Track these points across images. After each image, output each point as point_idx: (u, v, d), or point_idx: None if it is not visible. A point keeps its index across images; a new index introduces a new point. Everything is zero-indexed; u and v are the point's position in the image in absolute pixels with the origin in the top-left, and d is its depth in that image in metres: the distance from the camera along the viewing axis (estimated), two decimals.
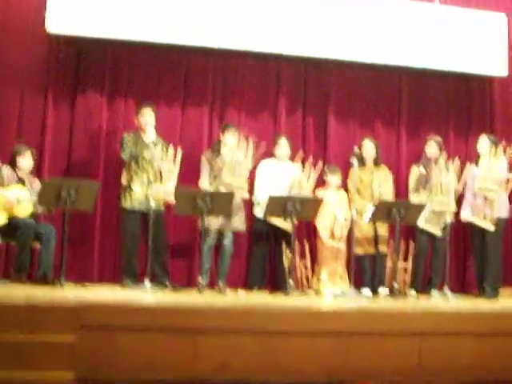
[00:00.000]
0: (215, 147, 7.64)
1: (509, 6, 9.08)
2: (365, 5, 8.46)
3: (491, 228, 7.51)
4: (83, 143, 7.98)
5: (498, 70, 8.82)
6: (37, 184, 7.09)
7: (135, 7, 7.82)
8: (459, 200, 7.72)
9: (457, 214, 7.78)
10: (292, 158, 7.90)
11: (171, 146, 7.25)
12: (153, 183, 7.19)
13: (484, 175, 7.49)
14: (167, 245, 7.66)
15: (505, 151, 7.57)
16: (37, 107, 7.91)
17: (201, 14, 7.97)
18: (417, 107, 8.97)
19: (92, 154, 7.97)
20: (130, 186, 7.34)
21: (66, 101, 7.98)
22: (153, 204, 7.06)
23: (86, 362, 5.12)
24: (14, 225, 6.80)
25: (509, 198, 7.70)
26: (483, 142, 7.78)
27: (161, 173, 7.18)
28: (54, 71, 7.95)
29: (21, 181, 7.09)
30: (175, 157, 7.12)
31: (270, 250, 7.87)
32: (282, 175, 7.77)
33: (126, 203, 7.35)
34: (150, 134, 7.39)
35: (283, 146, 7.89)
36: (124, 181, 7.40)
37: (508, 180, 7.55)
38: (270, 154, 7.93)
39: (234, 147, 7.36)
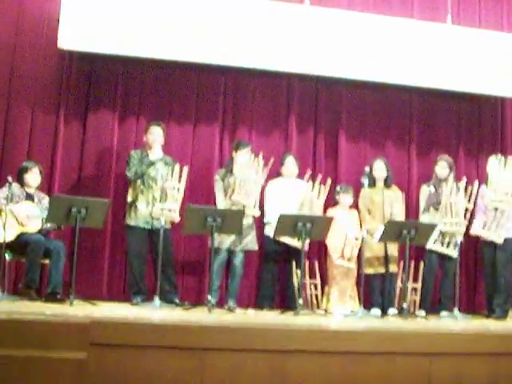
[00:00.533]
0: (228, 166, 7.64)
1: None
2: (377, 25, 8.47)
3: (500, 240, 7.48)
4: (94, 160, 8.01)
5: (510, 91, 8.81)
6: (46, 200, 7.10)
7: (147, 24, 7.84)
8: (469, 221, 7.70)
9: (466, 234, 7.76)
10: (301, 176, 7.90)
11: (178, 164, 7.26)
12: (157, 201, 7.16)
13: (494, 188, 7.51)
14: (175, 262, 7.64)
15: None
16: (48, 124, 7.94)
17: (212, 32, 7.99)
18: (428, 127, 8.97)
19: (103, 171, 8.00)
20: (135, 204, 7.35)
21: (77, 118, 8.02)
22: (159, 222, 7.06)
23: (95, 380, 5.11)
24: (23, 241, 6.81)
25: None
26: (492, 163, 7.77)
27: (166, 191, 7.16)
28: (65, 88, 7.99)
29: (30, 197, 7.11)
30: (181, 175, 7.13)
31: (280, 269, 7.85)
32: (291, 193, 7.77)
33: (131, 220, 7.36)
34: (156, 152, 7.40)
35: (290, 164, 7.90)
36: (129, 198, 7.42)
37: None
38: (278, 172, 7.95)
39: (245, 165, 7.37)
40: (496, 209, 7.55)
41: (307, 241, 7.46)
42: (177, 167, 7.17)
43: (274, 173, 7.91)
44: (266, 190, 7.81)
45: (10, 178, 6.85)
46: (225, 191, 7.48)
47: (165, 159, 7.47)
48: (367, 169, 7.68)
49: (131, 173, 7.36)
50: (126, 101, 8.16)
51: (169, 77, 8.29)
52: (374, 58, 8.39)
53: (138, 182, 7.37)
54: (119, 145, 8.06)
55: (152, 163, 7.36)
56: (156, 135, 7.49)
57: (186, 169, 7.17)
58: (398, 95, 8.85)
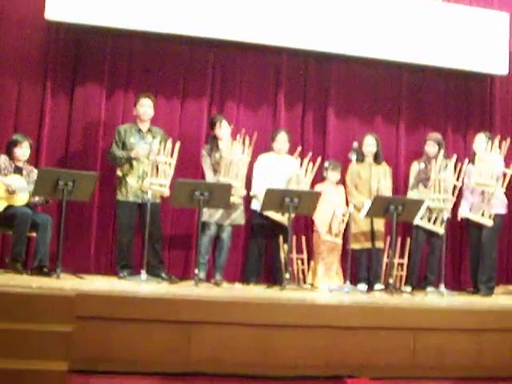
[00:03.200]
0: (212, 142, 7.62)
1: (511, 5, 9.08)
2: (367, 0, 8.43)
3: (489, 223, 7.51)
4: (81, 133, 7.97)
5: (499, 69, 8.82)
6: (35, 173, 7.07)
7: None
8: (457, 198, 7.72)
9: (453, 212, 7.79)
10: (291, 153, 7.90)
11: (170, 139, 7.23)
12: (148, 176, 7.14)
13: (480, 170, 7.49)
14: (163, 236, 7.66)
15: (500, 146, 7.56)
16: (35, 96, 7.88)
17: (202, 4, 7.94)
18: (417, 104, 8.97)
19: (90, 144, 7.95)
20: (125, 178, 7.33)
21: (64, 90, 7.95)
22: (148, 196, 7.04)
23: (81, 353, 5.13)
24: (10, 214, 6.80)
25: (506, 193, 7.68)
26: (479, 140, 7.77)
27: (157, 166, 7.12)
28: (52, 60, 7.92)
29: (18, 170, 7.08)
30: (173, 150, 7.11)
31: (267, 243, 7.86)
32: (281, 169, 7.76)
33: (122, 195, 7.35)
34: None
35: (282, 141, 7.87)
36: (119, 172, 7.39)
37: (505, 175, 7.54)
38: (268, 148, 7.93)
39: (231, 147, 7.36)
40: (483, 191, 7.57)
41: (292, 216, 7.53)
42: (169, 143, 7.14)
43: (263, 147, 7.89)
44: (255, 163, 7.81)
45: None
46: (212, 166, 7.48)
47: (154, 133, 7.43)
48: (355, 144, 7.67)
49: (111, 156, 7.36)
50: (113, 74, 8.10)
51: (157, 50, 8.23)
52: (363, 33, 8.37)
53: None
54: (107, 118, 8.01)
55: (143, 137, 7.32)
56: (146, 107, 7.45)
57: (178, 144, 7.14)
58: (387, 71, 8.83)
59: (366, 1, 8.45)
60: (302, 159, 7.76)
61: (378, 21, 8.43)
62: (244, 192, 7.52)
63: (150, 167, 7.11)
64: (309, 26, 8.19)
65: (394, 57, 8.53)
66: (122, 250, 7.40)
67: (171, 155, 7.10)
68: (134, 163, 7.32)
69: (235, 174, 7.33)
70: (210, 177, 7.48)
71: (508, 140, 7.59)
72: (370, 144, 7.96)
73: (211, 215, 7.34)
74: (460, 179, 7.60)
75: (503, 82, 9.10)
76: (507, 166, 7.52)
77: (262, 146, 7.87)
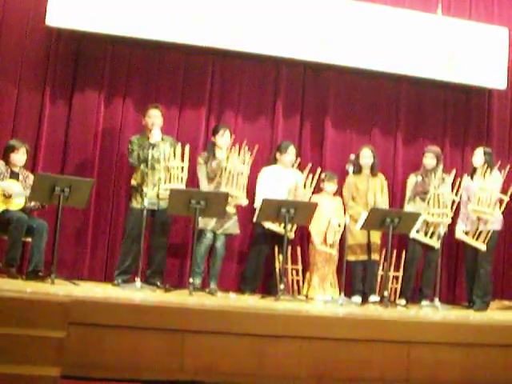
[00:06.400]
0: (210, 150, 7.63)
1: (511, 20, 9.10)
2: (367, 12, 8.46)
3: (483, 248, 7.52)
4: (79, 140, 7.95)
5: (497, 83, 8.83)
6: (30, 179, 7.06)
7: (137, 4, 7.80)
8: (454, 212, 7.73)
9: (450, 226, 7.79)
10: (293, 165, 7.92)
11: (179, 143, 7.27)
12: (162, 182, 7.14)
13: (478, 197, 7.50)
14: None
15: (500, 170, 7.59)
16: (34, 102, 7.87)
17: (201, 13, 7.95)
18: (415, 116, 8.98)
19: (88, 151, 7.94)
20: (141, 187, 7.29)
21: (63, 97, 7.95)
22: (162, 203, 7.09)
23: (73, 359, 5.12)
24: (6, 218, 6.78)
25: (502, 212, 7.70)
26: (479, 156, 7.78)
27: (170, 171, 7.14)
28: (52, 66, 7.91)
29: (14, 175, 7.07)
30: (183, 154, 7.12)
31: (267, 254, 7.82)
32: (284, 182, 7.76)
33: (137, 203, 7.30)
34: (155, 136, 7.33)
35: (292, 155, 7.87)
36: (133, 182, 7.38)
37: (501, 200, 7.56)
38: (266, 159, 7.97)
39: (231, 157, 7.36)
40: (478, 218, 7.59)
41: (293, 228, 7.53)
42: (178, 146, 7.17)
43: (260, 157, 7.90)
44: (259, 175, 7.83)
45: None
46: (208, 175, 7.47)
47: (165, 140, 7.44)
48: (352, 156, 7.68)
49: (134, 158, 7.33)
50: (112, 81, 8.10)
51: (156, 58, 8.24)
52: (362, 45, 8.38)
53: (142, 166, 7.33)
54: (105, 125, 8.01)
55: (153, 146, 7.32)
56: (155, 117, 7.45)
57: (187, 147, 7.16)
58: (385, 83, 8.84)
59: (365, 13, 8.46)
60: (300, 171, 7.76)
61: (378, 33, 8.44)
62: (246, 202, 7.50)
63: (163, 174, 7.13)
64: (307, 36, 8.20)
65: (393, 69, 8.53)
66: (126, 256, 7.31)
67: (182, 159, 7.11)
68: (149, 172, 7.29)
69: (235, 184, 7.32)
70: (204, 185, 7.47)
71: (508, 167, 7.64)
72: (366, 156, 7.96)
73: (206, 223, 7.32)
74: (458, 194, 7.61)
75: (501, 96, 9.11)
76: (505, 191, 7.55)
77: (259, 156, 7.87)
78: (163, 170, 7.17)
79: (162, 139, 7.41)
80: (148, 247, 7.21)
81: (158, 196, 7.23)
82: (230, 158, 7.35)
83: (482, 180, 7.56)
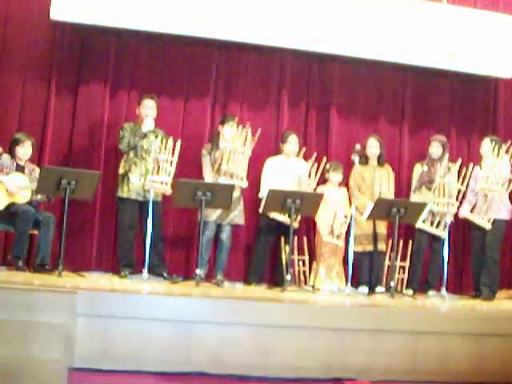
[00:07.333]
0: (214, 140, 7.63)
1: None
2: (371, 2, 8.42)
3: (488, 226, 7.50)
4: (85, 132, 7.97)
5: (503, 72, 8.79)
6: (37, 172, 7.07)
7: None
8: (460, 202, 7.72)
9: (456, 216, 7.78)
10: (297, 155, 7.91)
11: (171, 138, 7.24)
12: (150, 174, 7.14)
13: (487, 176, 7.48)
14: (164, 235, 7.68)
15: (508, 151, 7.56)
16: (39, 95, 7.89)
17: (206, 5, 7.92)
18: (420, 106, 8.95)
19: (93, 143, 7.96)
20: (127, 176, 7.33)
21: (68, 90, 7.96)
22: (150, 194, 7.05)
23: (82, 351, 5.14)
24: (13, 211, 6.80)
25: (510, 198, 7.67)
26: (486, 145, 7.75)
27: (159, 164, 7.13)
28: (57, 60, 7.92)
29: (21, 168, 7.08)
30: (174, 148, 7.11)
31: (272, 245, 7.84)
32: (289, 172, 7.75)
33: (123, 193, 7.34)
34: (147, 125, 7.35)
35: (293, 144, 7.86)
36: (121, 170, 7.39)
37: (510, 180, 7.54)
38: (273, 149, 7.97)
39: (233, 137, 7.35)
40: (486, 195, 7.56)
41: (298, 218, 7.52)
42: (170, 141, 7.15)
43: (266, 147, 7.90)
44: (264, 166, 7.83)
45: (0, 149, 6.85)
46: (212, 165, 7.47)
47: (157, 132, 7.43)
48: (357, 146, 7.68)
49: (124, 144, 7.33)
50: (117, 73, 8.10)
51: (161, 50, 8.24)
52: (367, 35, 8.33)
53: (131, 153, 7.34)
54: (110, 117, 8.01)
55: (144, 135, 7.32)
56: (149, 108, 7.45)
57: (178, 142, 7.15)
58: (391, 73, 8.82)
59: (370, 2, 8.43)
60: (306, 160, 7.76)
61: (383, 23, 8.39)
62: (246, 184, 7.48)
63: (151, 165, 7.12)
64: (312, 27, 8.16)
65: (398, 59, 8.49)
66: (123, 248, 7.39)
67: (172, 153, 7.11)
68: (137, 161, 7.31)
69: (237, 164, 7.31)
70: (208, 176, 7.47)
71: None
72: (373, 146, 7.95)
73: (208, 214, 7.32)
74: (464, 184, 7.59)
75: (507, 85, 9.08)
76: None
77: (265, 145, 7.87)
78: (152, 162, 7.14)
79: (154, 131, 7.40)
80: (144, 239, 7.19)
81: (143, 187, 7.23)
82: (232, 140, 7.35)
83: (491, 160, 7.53)
